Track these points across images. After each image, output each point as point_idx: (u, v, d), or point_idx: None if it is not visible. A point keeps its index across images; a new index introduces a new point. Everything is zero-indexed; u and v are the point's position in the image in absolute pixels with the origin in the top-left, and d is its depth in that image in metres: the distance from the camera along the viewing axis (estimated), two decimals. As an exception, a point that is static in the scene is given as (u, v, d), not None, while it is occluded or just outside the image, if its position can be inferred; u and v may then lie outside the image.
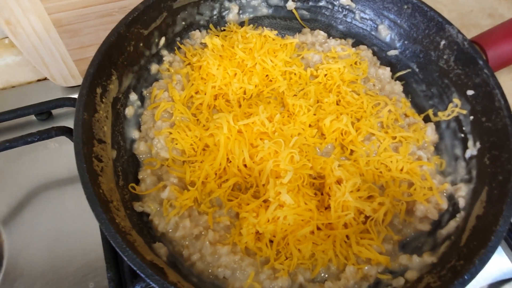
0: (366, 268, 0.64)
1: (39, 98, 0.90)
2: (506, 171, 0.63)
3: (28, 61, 1.00)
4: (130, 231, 0.59)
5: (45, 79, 1.00)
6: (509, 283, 0.76)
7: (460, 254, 0.59)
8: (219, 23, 0.92)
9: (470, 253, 0.57)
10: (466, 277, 0.53)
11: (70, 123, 0.93)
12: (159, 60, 0.84)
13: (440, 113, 0.81)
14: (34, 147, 0.87)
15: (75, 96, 0.98)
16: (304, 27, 0.94)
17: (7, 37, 1.03)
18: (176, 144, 0.73)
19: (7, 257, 0.79)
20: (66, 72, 0.95)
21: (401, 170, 0.73)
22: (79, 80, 0.98)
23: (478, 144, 0.72)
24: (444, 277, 0.57)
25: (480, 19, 1.25)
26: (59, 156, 0.92)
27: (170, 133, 0.74)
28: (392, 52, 0.89)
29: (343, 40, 0.91)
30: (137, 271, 0.51)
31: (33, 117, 0.94)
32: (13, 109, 0.87)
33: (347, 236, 0.67)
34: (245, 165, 0.71)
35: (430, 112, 0.83)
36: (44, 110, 0.90)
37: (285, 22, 0.95)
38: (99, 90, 0.69)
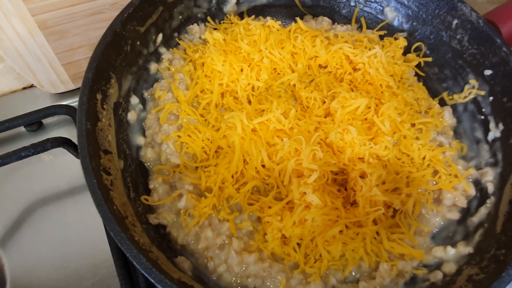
0: (400, 264, 0.61)
1: (27, 108, 0.84)
2: (537, 152, 0.61)
3: (12, 68, 0.92)
4: (150, 248, 0.55)
5: (32, 86, 0.94)
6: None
7: (499, 242, 0.57)
8: (218, 15, 0.86)
9: (511, 241, 0.55)
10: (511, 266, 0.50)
11: (63, 133, 0.88)
12: (158, 58, 0.78)
13: (455, 96, 0.78)
14: (27, 161, 0.80)
15: (67, 102, 0.92)
16: (306, 14, 0.89)
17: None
18: (187, 148, 0.68)
19: (9, 281, 0.74)
20: (54, 78, 0.88)
21: (424, 158, 0.70)
22: (69, 86, 0.91)
23: (501, 126, 0.70)
24: (487, 268, 0.54)
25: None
26: (55, 168, 0.86)
27: (179, 136, 0.69)
28: (400, 35, 0.85)
29: (349, 25, 0.87)
30: (168, 294, 0.47)
31: (22, 128, 0.88)
32: (0, 121, 0.80)
33: (377, 233, 0.64)
34: (263, 166, 0.67)
35: (445, 95, 0.80)
36: (34, 121, 0.84)
37: (285, 10, 0.90)
38: (99, 96, 0.63)
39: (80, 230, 0.79)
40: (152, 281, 0.48)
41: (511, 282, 0.49)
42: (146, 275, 0.48)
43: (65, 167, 0.85)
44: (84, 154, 0.55)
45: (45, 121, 0.91)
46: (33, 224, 0.79)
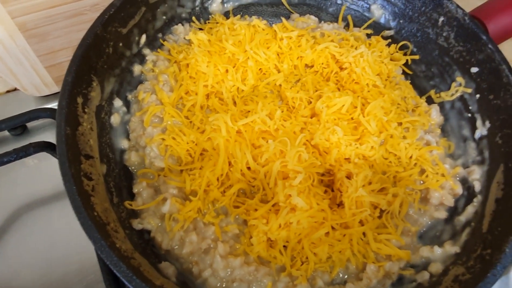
0: (387, 265, 0.61)
1: (11, 112, 0.83)
2: (522, 150, 0.61)
3: (-6, 72, 0.90)
4: (133, 254, 0.54)
5: (16, 89, 0.93)
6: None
7: (485, 242, 0.57)
8: (202, 14, 0.85)
9: (497, 240, 0.55)
10: (498, 267, 0.50)
11: (48, 137, 0.87)
12: (142, 60, 0.77)
13: (443, 94, 0.78)
14: (11, 166, 0.79)
15: (51, 106, 0.90)
16: (293, 13, 0.88)
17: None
18: (171, 151, 0.67)
19: None
20: (38, 81, 0.86)
21: (411, 157, 0.70)
22: (53, 88, 0.90)
23: (487, 123, 0.70)
24: (473, 268, 0.54)
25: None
26: (40, 173, 0.85)
27: (163, 139, 0.68)
28: (387, 33, 0.85)
29: (335, 24, 0.86)
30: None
31: (6, 132, 0.87)
32: None
33: (363, 234, 0.63)
34: (249, 168, 0.66)
35: (432, 93, 0.79)
36: (18, 124, 0.83)
37: (272, 9, 0.89)
38: (80, 100, 0.62)
39: (66, 235, 0.78)
40: (133, 289, 0.47)
41: (496, 282, 0.49)
42: (126, 283, 0.47)
43: (50, 171, 0.84)
44: (63, 160, 0.54)
45: (30, 124, 0.89)
46: (18, 229, 0.78)
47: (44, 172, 0.85)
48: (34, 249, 0.76)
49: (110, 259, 0.48)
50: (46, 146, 0.75)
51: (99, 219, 0.53)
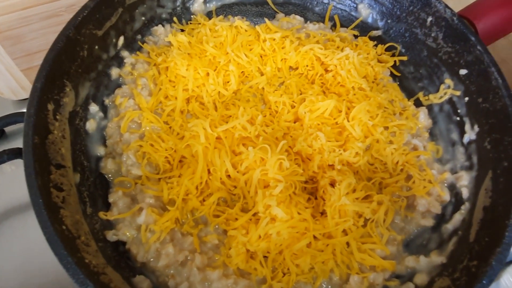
0: (371, 276, 0.58)
1: None
2: (511, 156, 0.58)
3: (-31, 75, 0.87)
4: (104, 269, 0.52)
5: None
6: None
7: (472, 252, 0.55)
8: (184, 15, 0.82)
9: (484, 251, 0.53)
10: (484, 281, 0.48)
11: None
12: (120, 63, 0.74)
13: (431, 96, 0.76)
14: None
15: (29, 110, 0.87)
16: (278, 13, 0.86)
17: None
18: (149, 158, 0.65)
19: None
20: (14, 84, 0.83)
21: (397, 163, 0.68)
22: (31, 92, 0.87)
23: (476, 128, 0.67)
24: (458, 281, 0.52)
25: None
26: (17, 180, 0.80)
27: (141, 146, 0.65)
28: (375, 33, 0.83)
29: (321, 23, 0.83)
30: (116, 322, 0.44)
31: None
32: None
33: (347, 243, 0.61)
34: (229, 176, 0.63)
35: (421, 95, 0.77)
36: (-6, 129, 0.80)
37: (256, 8, 0.86)
38: (50, 106, 0.59)
39: (44, 245, 0.75)
40: (101, 308, 0.45)
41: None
42: (93, 302, 0.45)
43: None
44: (30, 172, 0.51)
45: (7, 129, 0.86)
46: None
47: (20, 179, 0.82)
48: (10, 261, 0.74)
49: (76, 277, 0.46)
50: (20, 153, 0.72)
51: (68, 232, 0.51)
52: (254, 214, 0.61)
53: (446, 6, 0.71)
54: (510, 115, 0.61)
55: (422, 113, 0.74)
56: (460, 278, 0.52)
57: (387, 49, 0.81)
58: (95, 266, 0.50)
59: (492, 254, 0.50)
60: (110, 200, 0.63)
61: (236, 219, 0.61)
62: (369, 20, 0.83)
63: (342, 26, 0.85)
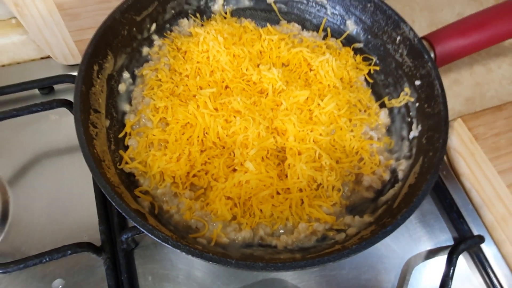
0: (315, 225, 0.76)
1: (42, 74, 0.98)
2: (435, 148, 0.75)
3: (33, 40, 1.09)
4: (119, 185, 0.71)
5: (48, 57, 1.09)
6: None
7: (391, 214, 0.72)
8: (206, 13, 1.02)
9: (397, 212, 0.70)
10: (388, 228, 0.65)
11: (70, 97, 1.01)
12: (150, 43, 0.95)
13: (393, 100, 0.93)
14: (37, 118, 0.95)
15: (75, 73, 1.08)
16: (281, 20, 1.05)
17: (14, 18, 1.13)
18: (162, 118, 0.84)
19: (12, 212, 0.88)
20: (67, 52, 1.05)
21: (353, 147, 0.85)
22: (78, 59, 1.08)
23: (419, 127, 0.84)
24: (374, 230, 0.69)
25: (449, 18, 1.37)
26: (59, 127, 1.00)
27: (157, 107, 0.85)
28: (357, 45, 1.00)
29: (314, 32, 1.02)
30: (123, 214, 0.63)
31: (36, 91, 1.03)
32: (19, 83, 0.96)
33: (301, 200, 0.79)
34: (219, 139, 0.82)
35: (386, 99, 0.94)
36: (46, 85, 1.00)
37: (264, 14, 1.05)
38: (96, 67, 0.80)
39: (73, 180, 0.89)
40: (114, 204, 0.64)
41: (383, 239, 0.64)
42: (109, 199, 0.65)
43: (68, 127, 0.98)
44: (77, 109, 0.72)
45: (56, 87, 1.06)
46: (36, 170, 0.92)
47: (62, 127, 1.00)
48: (46, 187, 0.89)
49: (100, 182, 0.66)
50: (66, 103, 0.93)
51: (97, 155, 0.71)
52: (234, 170, 0.80)
53: (411, 29, 0.88)
54: (442, 117, 0.78)
55: (383, 113, 0.91)
56: (375, 229, 0.69)
57: (364, 59, 0.99)
58: (112, 181, 0.70)
59: (400, 214, 0.67)
60: (128, 143, 0.83)
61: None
62: (354, 33, 1.01)
63: (332, 36, 1.03)
